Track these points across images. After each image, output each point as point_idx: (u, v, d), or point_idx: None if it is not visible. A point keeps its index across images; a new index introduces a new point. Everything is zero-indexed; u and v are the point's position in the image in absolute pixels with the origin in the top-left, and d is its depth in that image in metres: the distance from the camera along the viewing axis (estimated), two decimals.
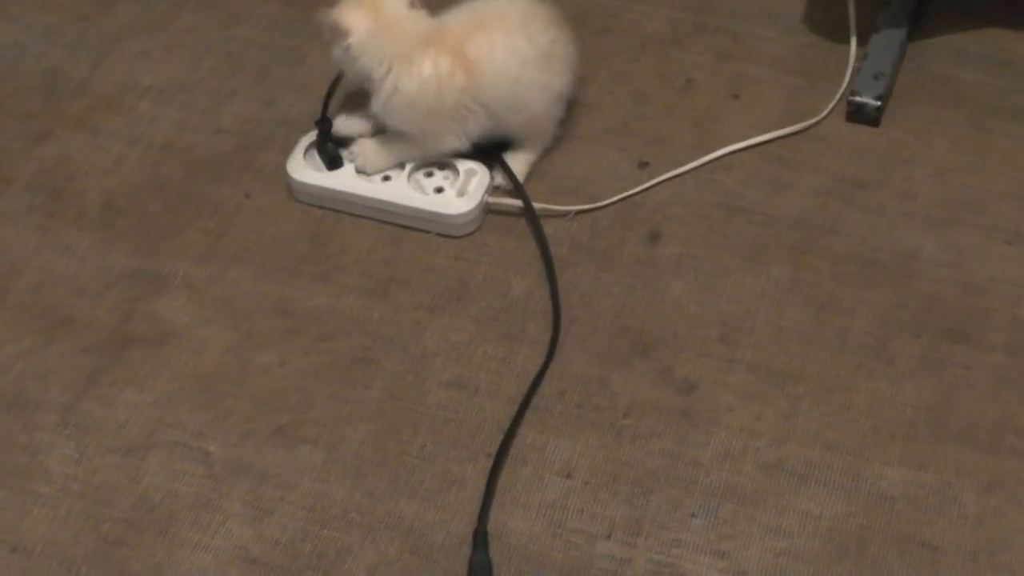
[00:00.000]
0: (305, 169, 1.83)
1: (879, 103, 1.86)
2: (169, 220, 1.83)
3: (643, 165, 1.85)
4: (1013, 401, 1.59)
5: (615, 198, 1.81)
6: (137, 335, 1.70)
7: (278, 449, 1.59)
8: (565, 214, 1.79)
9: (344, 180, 1.81)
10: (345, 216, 1.81)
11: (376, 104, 1.75)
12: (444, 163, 1.82)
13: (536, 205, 1.79)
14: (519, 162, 1.82)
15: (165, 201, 1.85)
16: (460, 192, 1.78)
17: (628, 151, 1.87)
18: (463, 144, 1.79)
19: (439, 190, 1.80)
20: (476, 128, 1.78)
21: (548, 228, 1.77)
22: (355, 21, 1.72)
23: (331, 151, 1.82)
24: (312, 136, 1.85)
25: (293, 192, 1.83)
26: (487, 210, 1.80)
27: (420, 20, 1.75)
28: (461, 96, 1.74)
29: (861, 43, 1.96)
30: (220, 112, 1.96)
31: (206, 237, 1.81)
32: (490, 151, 1.82)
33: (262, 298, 1.74)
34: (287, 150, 1.86)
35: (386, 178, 1.81)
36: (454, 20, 1.77)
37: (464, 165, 1.81)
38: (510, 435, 1.58)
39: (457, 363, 1.66)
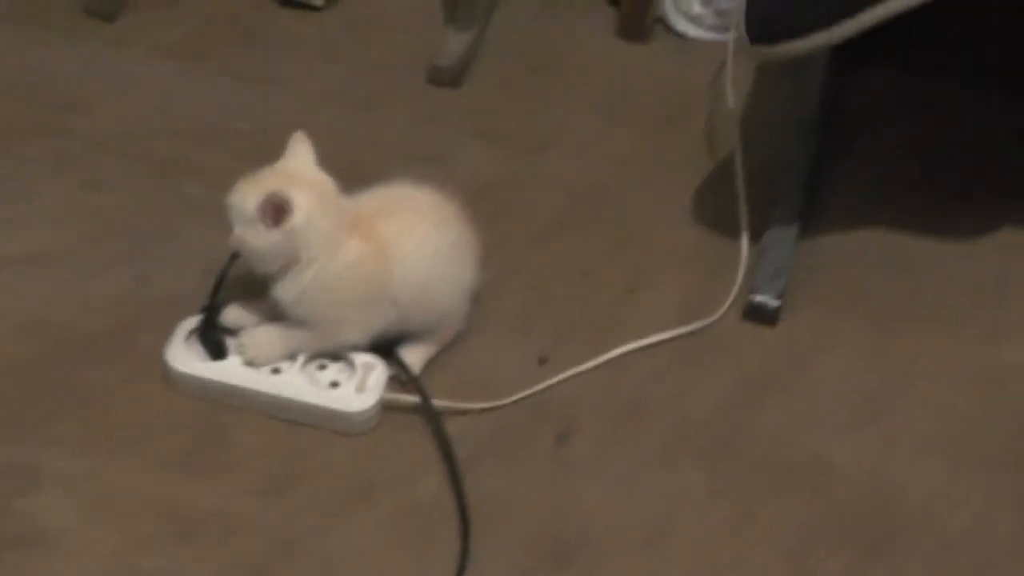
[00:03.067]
0: (186, 358, 1.71)
1: (778, 303, 1.84)
2: (38, 406, 1.69)
3: (543, 361, 1.78)
4: None
5: (519, 395, 1.73)
6: (7, 538, 1.55)
7: None
8: (467, 411, 1.71)
9: (230, 372, 1.70)
10: (232, 406, 1.70)
11: (287, 291, 1.64)
12: (338, 355, 1.72)
13: (436, 402, 1.70)
14: (416, 355, 1.74)
15: (34, 385, 1.71)
16: (359, 388, 1.69)
17: (528, 344, 1.81)
18: (363, 339, 1.70)
19: (334, 384, 1.70)
20: (380, 322, 1.69)
21: (451, 426, 1.69)
22: (301, 199, 1.60)
23: (216, 340, 1.71)
24: (192, 321, 1.73)
25: (172, 381, 1.71)
26: (384, 406, 1.70)
27: (344, 200, 1.66)
28: (372, 288, 1.65)
29: (754, 238, 1.94)
30: (90, 288, 1.83)
31: (80, 426, 1.67)
32: (384, 344, 1.73)
33: (147, 497, 1.61)
34: (164, 332, 1.74)
35: (276, 370, 1.70)
36: (366, 205, 1.68)
37: (361, 358, 1.71)
38: None
39: (363, 574, 1.55)
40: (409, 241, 1.67)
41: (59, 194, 1.96)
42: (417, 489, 1.64)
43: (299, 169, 1.65)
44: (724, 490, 1.66)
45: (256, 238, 1.61)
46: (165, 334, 1.74)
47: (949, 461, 1.71)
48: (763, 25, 1.70)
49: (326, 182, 1.65)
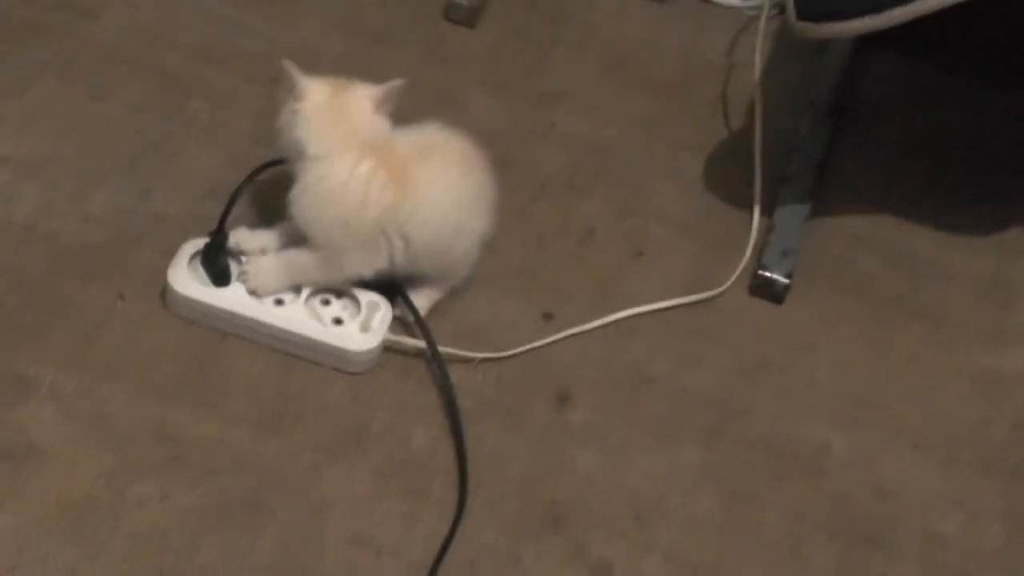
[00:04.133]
0: (189, 281, 1.67)
1: (788, 281, 1.82)
2: (32, 317, 1.65)
3: (548, 317, 1.76)
4: None
5: (520, 349, 1.71)
6: None
7: None
8: (470, 361, 1.68)
9: (233, 299, 1.66)
10: (229, 334, 1.66)
11: (294, 190, 1.62)
12: (342, 292, 1.69)
13: (441, 349, 1.67)
14: (422, 299, 1.71)
15: (26, 294, 1.67)
16: (363, 327, 1.66)
17: (530, 299, 1.78)
18: (367, 274, 1.66)
19: (338, 321, 1.67)
20: (386, 261, 1.65)
21: (451, 374, 1.66)
22: (314, 89, 1.62)
23: (221, 265, 1.67)
24: (197, 244, 1.69)
25: (171, 304, 1.67)
26: (386, 347, 1.67)
27: (377, 127, 1.64)
28: (384, 218, 1.62)
29: (764, 213, 1.91)
30: (88, 197, 1.79)
31: (74, 341, 1.63)
32: (390, 283, 1.70)
33: (140, 419, 1.58)
34: (163, 250, 1.71)
35: (279, 302, 1.67)
36: (402, 142, 1.66)
37: (365, 297, 1.68)
38: None
39: (358, 518, 1.53)
40: (436, 186, 1.65)
41: (63, 99, 1.90)
42: (414, 438, 1.62)
43: (355, 87, 1.65)
44: (718, 470, 1.65)
45: (279, 113, 1.64)
46: (164, 253, 1.70)
47: (945, 463, 1.70)
48: (812, 3, 1.67)
49: (365, 105, 1.64)
